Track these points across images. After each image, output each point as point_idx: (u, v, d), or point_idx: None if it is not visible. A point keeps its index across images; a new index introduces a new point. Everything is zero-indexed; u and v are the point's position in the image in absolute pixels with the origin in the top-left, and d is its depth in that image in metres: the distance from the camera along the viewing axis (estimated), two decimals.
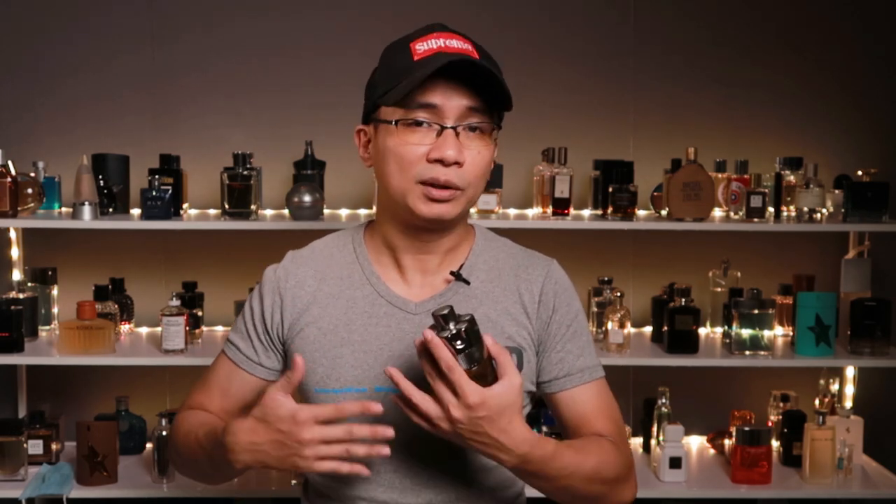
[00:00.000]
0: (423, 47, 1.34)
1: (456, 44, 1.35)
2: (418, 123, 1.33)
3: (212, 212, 2.69)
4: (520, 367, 1.40)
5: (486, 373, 1.23)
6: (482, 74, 1.31)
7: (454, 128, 1.33)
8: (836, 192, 2.66)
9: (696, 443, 2.81)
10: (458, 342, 1.20)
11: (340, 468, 1.23)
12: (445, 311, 1.21)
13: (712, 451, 2.76)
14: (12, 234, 2.66)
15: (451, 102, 1.32)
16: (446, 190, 1.33)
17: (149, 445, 2.57)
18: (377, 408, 1.22)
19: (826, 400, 2.74)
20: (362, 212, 2.68)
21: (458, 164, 1.33)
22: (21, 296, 2.51)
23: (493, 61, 1.38)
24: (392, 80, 1.35)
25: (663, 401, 2.60)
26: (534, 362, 1.43)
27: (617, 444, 1.40)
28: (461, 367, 1.20)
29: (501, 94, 1.34)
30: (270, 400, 1.25)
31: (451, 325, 1.21)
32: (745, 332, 2.52)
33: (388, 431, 1.23)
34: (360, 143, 1.44)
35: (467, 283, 1.42)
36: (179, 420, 1.48)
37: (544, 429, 2.53)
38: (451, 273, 1.42)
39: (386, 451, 1.24)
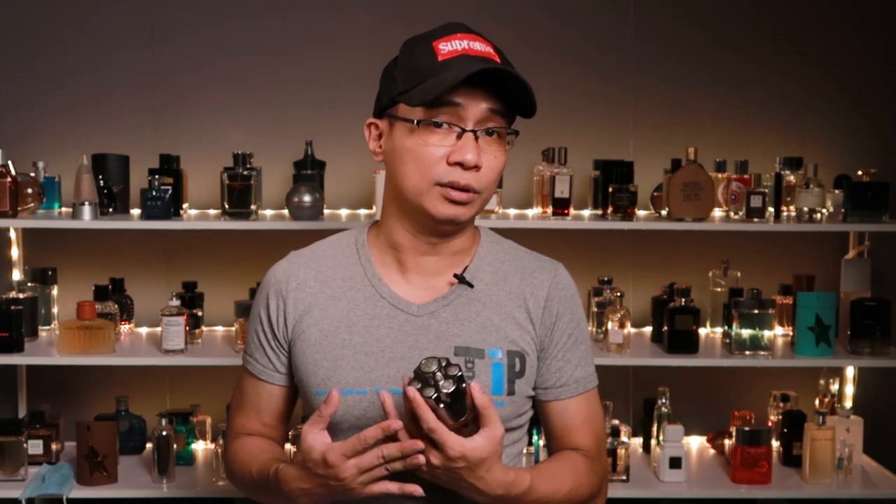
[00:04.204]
0: (446, 48, 1.33)
1: (479, 46, 1.35)
2: (438, 125, 1.32)
3: (212, 212, 2.68)
4: (522, 371, 1.40)
5: (468, 421, 1.22)
6: (504, 79, 1.31)
7: (474, 131, 1.32)
8: (836, 192, 2.65)
9: (696, 443, 2.81)
10: (441, 404, 1.19)
11: (390, 489, 1.25)
12: (432, 369, 1.19)
13: (712, 451, 2.76)
14: (12, 234, 2.66)
15: (474, 104, 1.32)
16: (465, 193, 1.33)
17: (149, 445, 2.57)
18: (397, 424, 1.22)
19: (826, 400, 2.73)
20: (362, 212, 2.68)
21: (476, 167, 1.32)
22: (21, 296, 2.51)
23: (510, 64, 1.37)
24: (415, 78, 1.33)
25: (663, 401, 2.60)
26: (535, 367, 1.42)
27: (592, 461, 1.42)
28: (443, 425, 1.19)
29: (526, 99, 1.34)
30: (304, 444, 1.26)
31: (440, 376, 1.19)
32: (745, 332, 2.52)
33: (419, 445, 1.22)
34: (370, 136, 1.42)
35: (471, 285, 1.41)
36: (230, 453, 1.48)
37: None
38: (455, 275, 1.42)
39: (418, 490, 1.25)
